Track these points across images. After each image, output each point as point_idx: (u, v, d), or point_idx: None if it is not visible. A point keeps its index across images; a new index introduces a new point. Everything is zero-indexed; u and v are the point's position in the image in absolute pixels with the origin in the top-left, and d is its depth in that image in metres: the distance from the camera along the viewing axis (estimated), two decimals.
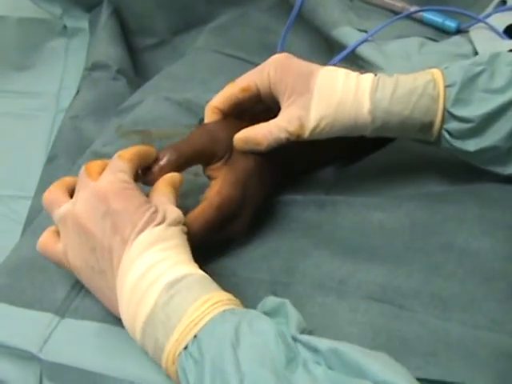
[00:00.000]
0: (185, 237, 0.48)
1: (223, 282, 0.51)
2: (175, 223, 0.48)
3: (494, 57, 0.57)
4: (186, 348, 0.41)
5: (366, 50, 0.75)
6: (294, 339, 0.40)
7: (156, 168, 0.53)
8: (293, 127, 0.55)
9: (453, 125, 0.56)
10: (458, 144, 0.57)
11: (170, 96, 0.72)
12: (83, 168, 0.50)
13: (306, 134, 0.56)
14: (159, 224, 0.46)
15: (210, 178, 0.57)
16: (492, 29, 0.74)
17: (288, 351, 0.39)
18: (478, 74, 0.55)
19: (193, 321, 0.42)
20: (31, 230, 0.60)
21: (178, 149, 0.55)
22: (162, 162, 0.54)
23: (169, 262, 0.45)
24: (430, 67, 0.58)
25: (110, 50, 0.89)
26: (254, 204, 0.58)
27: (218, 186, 0.55)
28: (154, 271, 0.44)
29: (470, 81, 0.55)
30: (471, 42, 0.74)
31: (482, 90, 0.55)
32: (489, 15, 0.77)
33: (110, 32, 0.91)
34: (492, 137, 0.56)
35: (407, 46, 0.75)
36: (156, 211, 0.47)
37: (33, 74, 0.91)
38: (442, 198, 0.60)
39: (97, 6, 0.94)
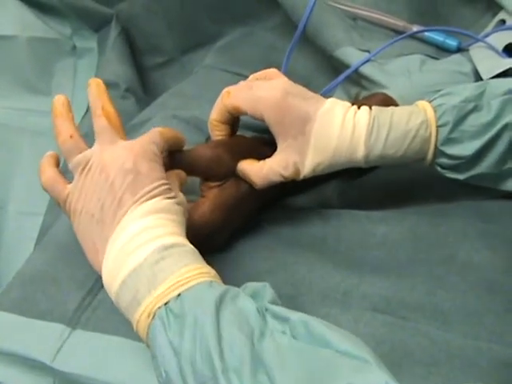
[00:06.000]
0: (185, 220, 0.51)
1: None
2: (182, 205, 0.51)
3: (483, 90, 0.58)
4: (166, 304, 0.43)
5: (368, 70, 0.76)
6: (266, 309, 0.43)
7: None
8: (287, 173, 0.57)
9: (444, 160, 0.58)
10: (448, 174, 0.59)
11: (178, 114, 0.73)
12: (104, 122, 0.53)
13: (300, 177, 0.58)
14: (169, 198, 0.49)
15: (200, 191, 0.59)
16: (491, 47, 0.75)
17: (262, 324, 0.41)
18: (469, 112, 0.57)
19: (179, 281, 0.44)
20: (43, 243, 0.61)
21: (176, 158, 0.56)
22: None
23: (167, 229, 0.47)
24: (423, 99, 0.59)
25: (118, 69, 0.89)
26: (234, 225, 0.60)
27: (204, 209, 0.57)
28: (152, 232, 0.46)
29: (462, 119, 0.57)
30: (471, 60, 0.74)
31: (472, 125, 0.56)
32: (488, 34, 0.77)
33: (119, 51, 0.92)
34: (481, 166, 0.57)
35: (408, 64, 0.76)
36: (171, 190, 0.50)
37: (43, 93, 0.91)
38: (444, 213, 0.61)
39: (105, 26, 0.95)
